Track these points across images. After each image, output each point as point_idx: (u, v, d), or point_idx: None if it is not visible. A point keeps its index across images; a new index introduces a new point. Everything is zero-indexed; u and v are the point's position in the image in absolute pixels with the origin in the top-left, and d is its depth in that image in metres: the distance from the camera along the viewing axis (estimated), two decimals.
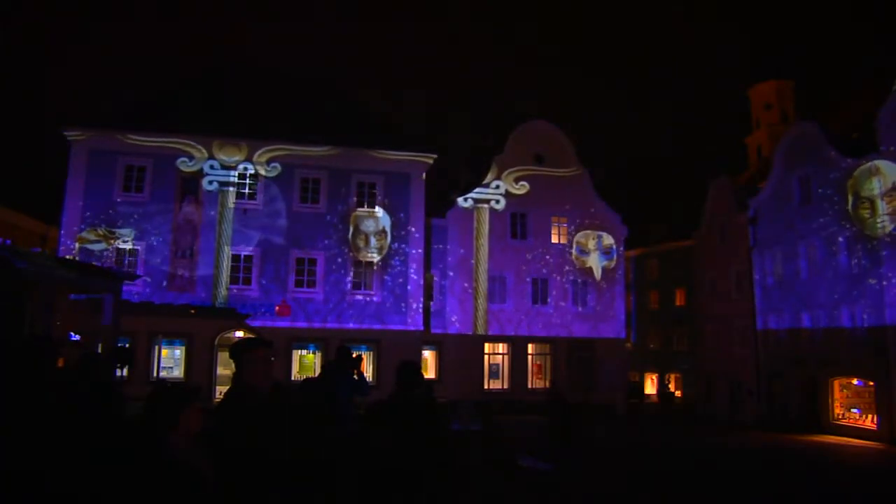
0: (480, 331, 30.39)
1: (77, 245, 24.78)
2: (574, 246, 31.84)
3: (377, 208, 27.52)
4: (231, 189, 26.52)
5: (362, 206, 27.51)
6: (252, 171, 26.72)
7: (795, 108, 44.17)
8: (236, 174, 26.61)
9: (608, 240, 32.29)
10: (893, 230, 24.05)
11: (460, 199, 31.34)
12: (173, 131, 26.09)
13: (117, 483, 3.03)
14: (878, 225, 24.44)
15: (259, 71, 31.14)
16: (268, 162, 26.84)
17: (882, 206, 24.44)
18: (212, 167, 26.61)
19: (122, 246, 25.39)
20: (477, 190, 31.52)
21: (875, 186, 24.63)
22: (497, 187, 31.88)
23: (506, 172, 31.89)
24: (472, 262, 30.56)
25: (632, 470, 15.30)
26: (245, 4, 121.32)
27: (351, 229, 27.19)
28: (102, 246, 25.26)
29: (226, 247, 26.07)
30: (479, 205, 31.50)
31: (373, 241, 27.33)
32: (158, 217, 25.79)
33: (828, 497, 13.39)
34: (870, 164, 25.05)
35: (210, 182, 26.46)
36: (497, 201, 31.63)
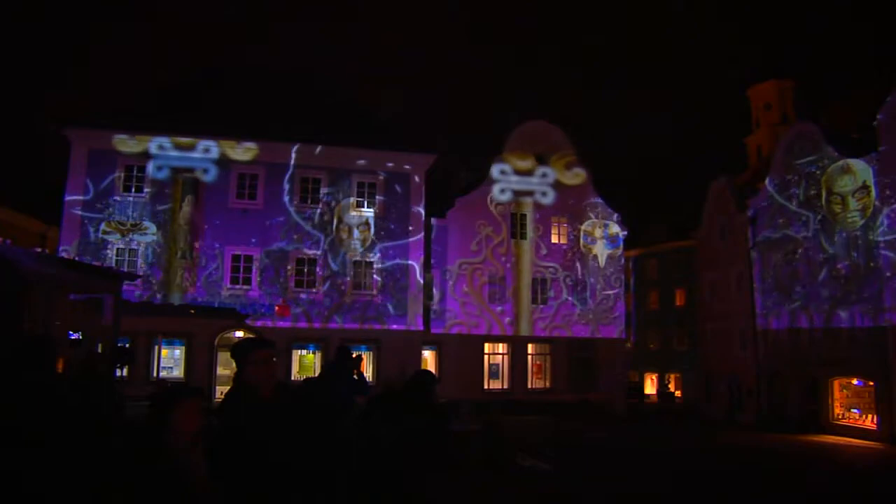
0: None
1: (77, 240, 24.76)
2: (581, 235, 31.76)
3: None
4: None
5: (362, 206, 27.50)
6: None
7: (795, 108, 44.17)
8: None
9: (614, 228, 32.24)
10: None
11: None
12: (173, 131, 26.05)
13: (111, 483, 3.02)
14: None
15: (259, 71, 31.15)
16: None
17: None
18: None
19: (122, 245, 25.41)
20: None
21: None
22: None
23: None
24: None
25: (630, 471, 15.29)
26: (245, 4, 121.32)
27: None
28: (118, 237, 25.32)
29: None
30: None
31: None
32: (158, 216, 25.77)
33: (827, 497, 13.38)
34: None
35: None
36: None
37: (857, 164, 25.58)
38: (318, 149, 27.07)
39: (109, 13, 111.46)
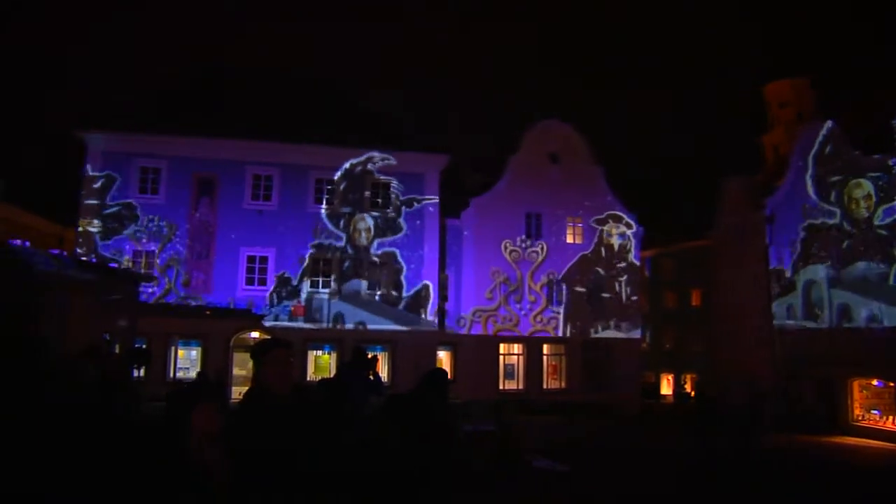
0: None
1: (95, 237, 24.95)
2: (597, 233, 31.60)
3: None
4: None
5: (377, 207, 27.55)
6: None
7: (812, 106, 43.70)
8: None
9: (630, 229, 32.13)
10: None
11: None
12: (187, 133, 26.18)
13: (129, 482, 3.01)
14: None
15: (271, 72, 31.22)
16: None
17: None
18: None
19: (138, 248, 25.60)
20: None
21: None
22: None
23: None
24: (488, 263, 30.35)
25: (646, 472, 15.17)
26: (255, 4, 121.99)
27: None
28: (133, 238, 25.53)
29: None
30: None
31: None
32: (174, 218, 25.92)
33: (846, 499, 13.22)
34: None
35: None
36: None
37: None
38: (332, 149, 27.13)
39: (120, 13, 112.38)
